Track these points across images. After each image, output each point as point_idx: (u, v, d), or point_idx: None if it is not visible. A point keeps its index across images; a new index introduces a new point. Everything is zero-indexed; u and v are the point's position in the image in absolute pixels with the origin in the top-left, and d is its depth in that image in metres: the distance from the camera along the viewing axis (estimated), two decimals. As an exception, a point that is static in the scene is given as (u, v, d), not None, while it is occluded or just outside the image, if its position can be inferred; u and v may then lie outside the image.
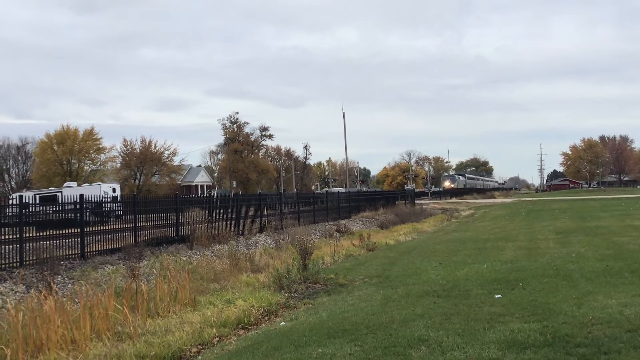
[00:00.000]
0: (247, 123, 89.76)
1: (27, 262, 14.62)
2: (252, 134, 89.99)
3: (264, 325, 10.10)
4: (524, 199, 74.23)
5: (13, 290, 12.73)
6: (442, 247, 18.94)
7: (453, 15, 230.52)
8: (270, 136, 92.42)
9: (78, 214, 17.59)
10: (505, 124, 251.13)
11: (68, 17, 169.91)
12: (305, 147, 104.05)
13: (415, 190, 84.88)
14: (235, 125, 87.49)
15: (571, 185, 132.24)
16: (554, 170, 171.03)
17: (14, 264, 14.48)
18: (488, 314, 8.14)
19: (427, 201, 71.42)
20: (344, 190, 56.97)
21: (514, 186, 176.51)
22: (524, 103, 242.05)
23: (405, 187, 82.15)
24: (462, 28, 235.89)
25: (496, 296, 9.55)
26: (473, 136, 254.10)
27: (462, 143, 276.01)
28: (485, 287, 10.49)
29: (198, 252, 19.10)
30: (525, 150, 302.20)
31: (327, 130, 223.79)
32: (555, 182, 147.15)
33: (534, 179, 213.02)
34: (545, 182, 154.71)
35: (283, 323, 9.72)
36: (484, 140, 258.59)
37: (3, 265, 14.19)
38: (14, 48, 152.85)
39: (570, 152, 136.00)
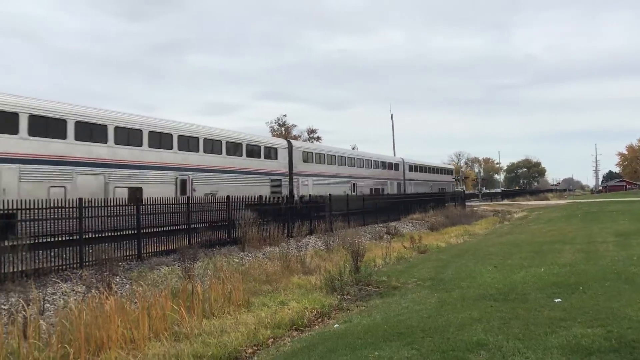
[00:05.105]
0: (295, 125, 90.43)
1: (87, 263, 15.07)
2: (299, 136, 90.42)
3: (317, 327, 10.11)
4: (578, 200, 72.08)
5: (74, 290, 13.13)
6: (495, 250, 18.56)
7: (500, 14, 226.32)
8: (318, 138, 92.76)
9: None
10: (558, 124, 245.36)
11: (120, 26, 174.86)
12: (353, 148, 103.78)
13: (465, 191, 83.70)
14: (283, 128, 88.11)
15: (628, 187, 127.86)
16: (610, 171, 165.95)
17: (75, 265, 14.97)
18: (548, 319, 7.93)
19: (478, 203, 70.30)
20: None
21: (568, 187, 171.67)
22: (577, 102, 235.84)
23: (455, 189, 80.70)
24: (510, 27, 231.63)
25: (556, 300, 9.30)
26: (524, 137, 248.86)
27: (513, 144, 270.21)
28: (543, 291, 10.23)
29: (250, 254, 19.29)
30: (580, 151, 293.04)
31: (374, 132, 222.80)
32: (611, 183, 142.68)
33: (589, 180, 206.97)
34: (600, 183, 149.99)
35: (337, 325, 9.70)
36: (536, 140, 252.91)
37: (64, 266, 14.68)
38: (67, 56, 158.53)
39: (626, 152, 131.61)
